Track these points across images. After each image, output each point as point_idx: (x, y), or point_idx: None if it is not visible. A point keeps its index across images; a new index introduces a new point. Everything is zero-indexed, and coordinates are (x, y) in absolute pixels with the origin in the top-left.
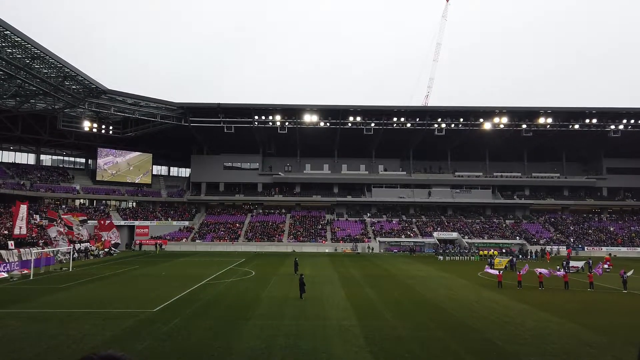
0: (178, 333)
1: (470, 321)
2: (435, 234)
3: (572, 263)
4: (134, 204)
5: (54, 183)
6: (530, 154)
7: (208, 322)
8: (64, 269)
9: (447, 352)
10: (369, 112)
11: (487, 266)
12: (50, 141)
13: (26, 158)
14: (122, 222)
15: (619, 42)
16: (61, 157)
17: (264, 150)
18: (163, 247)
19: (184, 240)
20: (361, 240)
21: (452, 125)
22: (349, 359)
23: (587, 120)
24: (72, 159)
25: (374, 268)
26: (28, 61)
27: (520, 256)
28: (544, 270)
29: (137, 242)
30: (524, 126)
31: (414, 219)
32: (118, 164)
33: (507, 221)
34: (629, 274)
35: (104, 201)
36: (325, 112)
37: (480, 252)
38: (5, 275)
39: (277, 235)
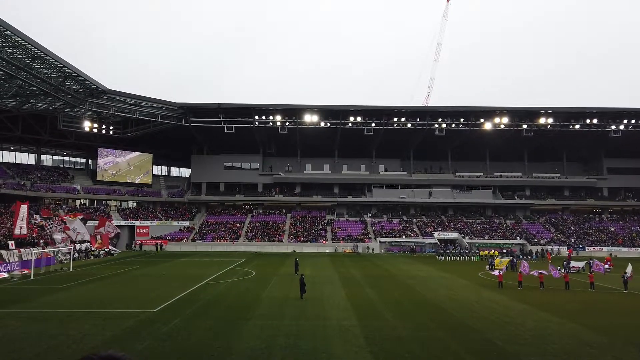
0: (178, 333)
1: (470, 321)
2: (435, 234)
3: (572, 263)
4: (135, 204)
5: (55, 183)
6: (531, 154)
7: (208, 322)
8: (64, 269)
9: (447, 353)
10: (369, 112)
11: (487, 266)
12: (50, 141)
13: (26, 158)
14: (123, 222)
15: (619, 42)
16: (61, 157)
17: (264, 151)
18: (163, 247)
19: (184, 241)
20: (362, 241)
21: (453, 126)
22: (349, 359)
23: (588, 121)
24: (72, 159)
25: (374, 268)
26: (28, 61)
27: (521, 256)
28: (544, 272)
29: (138, 242)
30: (525, 126)
31: (414, 219)
32: (118, 164)
33: (508, 221)
34: (629, 272)
35: (104, 201)
36: (326, 112)
37: (481, 252)
38: (6, 275)
39: (277, 236)
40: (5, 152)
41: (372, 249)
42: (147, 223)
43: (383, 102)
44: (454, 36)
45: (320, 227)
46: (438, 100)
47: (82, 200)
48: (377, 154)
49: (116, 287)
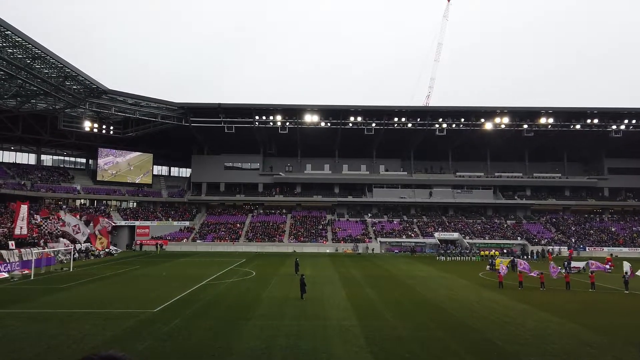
0: (178, 333)
1: (470, 321)
2: (436, 234)
3: (573, 263)
4: (135, 204)
5: (55, 183)
6: (532, 154)
7: (208, 322)
8: (64, 269)
9: (448, 352)
10: (369, 112)
11: (488, 267)
12: (50, 141)
13: (27, 158)
14: (123, 223)
15: (619, 42)
16: (62, 157)
17: (264, 151)
18: (164, 247)
19: (184, 241)
20: (362, 241)
21: (453, 126)
22: (349, 359)
23: (589, 121)
24: (72, 159)
25: (374, 268)
26: (29, 61)
27: (522, 256)
28: (544, 272)
29: (138, 242)
30: (525, 126)
31: (415, 219)
32: (118, 164)
33: (509, 221)
34: (627, 270)
35: (104, 201)
36: (326, 112)
37: (482, 252)
38: (6, 275)
39: (277, 236)
40: (6, 152)
41: (373, 249)
42: (148, 223)
43: (383, 102)
44: (455, 36)
45: (321, 227)
46: (439, 100)
47: (82, 201)
48: (378, 154)
49: (116, 287)
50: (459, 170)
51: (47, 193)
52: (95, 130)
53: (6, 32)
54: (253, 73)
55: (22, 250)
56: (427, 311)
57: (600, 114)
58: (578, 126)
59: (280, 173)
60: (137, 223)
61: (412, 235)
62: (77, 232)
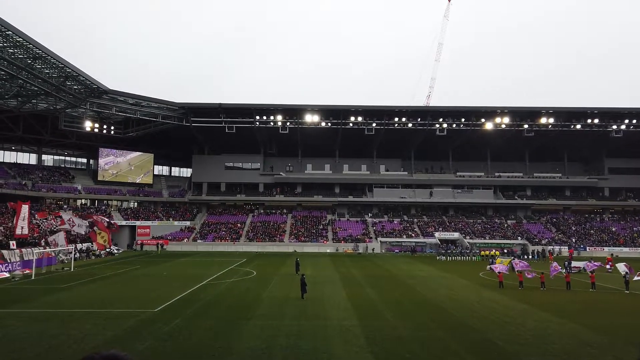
0: (179, 333)
1: (470, 321)
2: (436, 234)
3: (574, 263)
4: (136, 204)
5: (56, 183)
6: (532, 154)
7: (209, 322)
8: (65, 269)
9: (448, 352)
10: (370, 112)
11: (488, 267)
12: (51, 141)
13: (28, 158)
14: (124, 222)
15: (619, 42)
16: (63, 157)
17: (265, 151)
18: (164, 247)
19: (185, 240)
20: (362, 241)
21: (454, 125)
22: (349, 359)
23: (589, 120)
24: (73, 159)
25: (375, 268)
26: (30, 61)
27: (522, 256)
28: (544, 272)
29: (139, 242)
30: (526, 126)
31: (415, 219)
32: (119, 164)
33: (509, 221)
34: (622, 271)
35: (105, 201)
36: (327, 112)
37: (482, 252)
38: (7, 275)
39: (278, 236)
40: (7, 152)
41: (373, 249)
42: (148, 223)
43: (384, 102)
44: (455, 36)
45: (321, 227)
46: (439, 100)
47: (83, 200)
48: (378, 154)
49: (117, 287)
50: (460, 170)
51: (48, 193)
52: (96, 130)
53: (7, 32)
54: (253, 73)
55: (23, 250)
56: (428, 311)
57: (600, 114)
58: (578, 126)
59: (281, 173)
60: (137, 223)
61: (413, 235)
62: (74, 225)
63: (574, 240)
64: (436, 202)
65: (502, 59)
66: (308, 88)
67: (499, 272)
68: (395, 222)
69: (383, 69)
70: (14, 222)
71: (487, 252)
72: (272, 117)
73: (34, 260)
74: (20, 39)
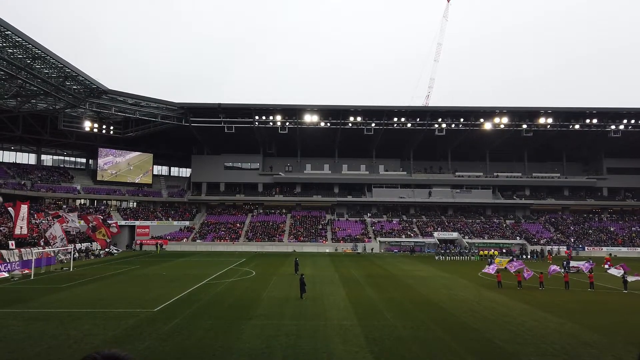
0: (179, 333)
1: (470, 321)
2: (435, 234)
3: (572, 263)
4: (135, 204)
5: (55, 183)
6: (531, 154)
7: (208, 322)
8: (64, 268)
9: (448, 352)
10: (369, 112)
11: (486, 266)
12: (51, 141)
13: (27, 158)
14: (123, 222)
15: (619, 42)
16: (62, 157)
17: (264, 151)
18: (164, 247)
19: (184, 240)
20: (362, 240)
21: (453, 126)
22: (349, 359)
23: (588, 121)
24: (72, 159)
25: (374, 268)
26: (29, 61)
27: (520, 256)
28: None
29: (138, 242)
30: (525, 126)
31: (414, 219)
32: (118, 164)
33: (508, 221)
34: (618, 274)
35: (104, 201)
36: (326, 112)
37: (481, 252)
38: (6, 275)
39: (277, 235)
40: (6, 152)
41: (372, 249)
42: (148, 223)
43: (383, 102)
44: (455, 36)
45: (320, 227)
46: (438, 100)
47: (82, 200)
48: (377, 154)
49: (116, 287)
50: (458, 170)
51: (47, 193)
52: (96, 130)
53: (6, 32)
54: (253, 73)
55: (22, 250)
56: (427, 311)
57: (599, 114)
58: (577, 126)
59: (280, 173)
60: (137, 223)
61: (412, 235)
62: (67, 220)
63: (572, 240)
64: (435, 202)
65: (502, 59)
66: (307, 88)
67: (497, 273)
68: (394, 222)
69: (383, 69)
70: (13, 220)
71: (486, 252)
72: (271, 117)
73: (33, 260)
74: (20, 39)
